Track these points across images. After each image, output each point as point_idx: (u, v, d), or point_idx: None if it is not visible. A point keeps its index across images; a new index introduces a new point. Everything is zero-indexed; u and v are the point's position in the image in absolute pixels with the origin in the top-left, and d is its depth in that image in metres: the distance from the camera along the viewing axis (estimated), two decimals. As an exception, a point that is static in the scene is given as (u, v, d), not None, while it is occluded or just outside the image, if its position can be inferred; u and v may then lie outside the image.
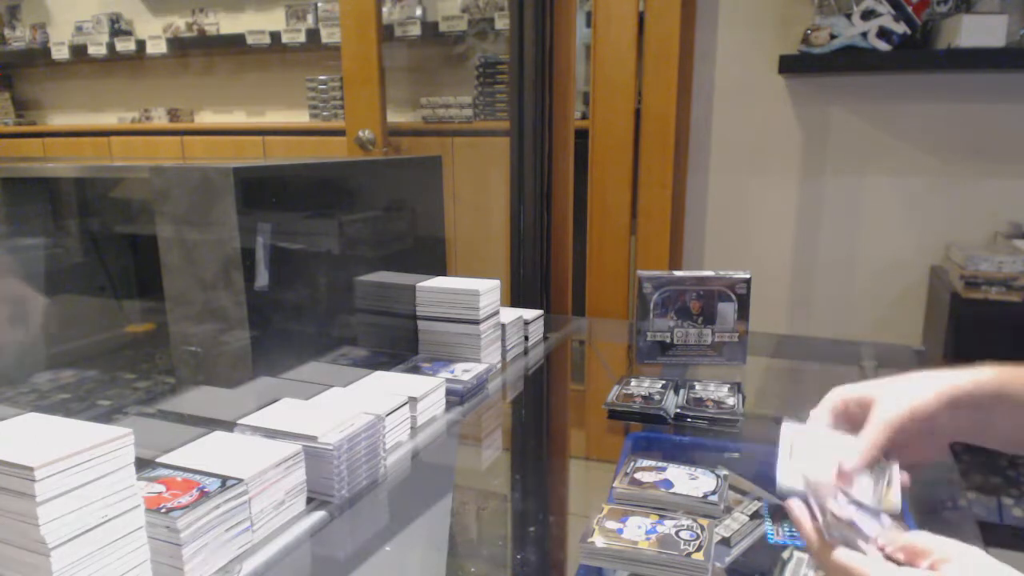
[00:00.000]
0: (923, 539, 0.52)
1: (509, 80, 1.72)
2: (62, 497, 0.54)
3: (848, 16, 1.91)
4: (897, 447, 0.65)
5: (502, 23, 2.64)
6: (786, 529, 0.76)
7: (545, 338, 1.47)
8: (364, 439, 0.83)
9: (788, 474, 0.63)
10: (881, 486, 0.62)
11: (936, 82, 2.01)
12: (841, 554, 0.53)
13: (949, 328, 1.80)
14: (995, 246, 1.94)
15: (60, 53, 3.44)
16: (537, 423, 1.21)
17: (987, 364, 0.67)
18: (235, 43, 3.12)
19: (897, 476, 0.63)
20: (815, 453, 0.64)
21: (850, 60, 1.94)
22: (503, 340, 1.28)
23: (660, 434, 1.04)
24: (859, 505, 0.59)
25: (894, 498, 0.61)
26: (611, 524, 0.72)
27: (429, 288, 1.22)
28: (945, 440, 0.68)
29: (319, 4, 3.01)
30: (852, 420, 0.67)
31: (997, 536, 1.75)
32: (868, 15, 1.88)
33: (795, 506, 0.58)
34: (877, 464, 0.63)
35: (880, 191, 2.11)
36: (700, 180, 2.28)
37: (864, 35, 1.89)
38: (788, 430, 0.69)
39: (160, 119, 3.43)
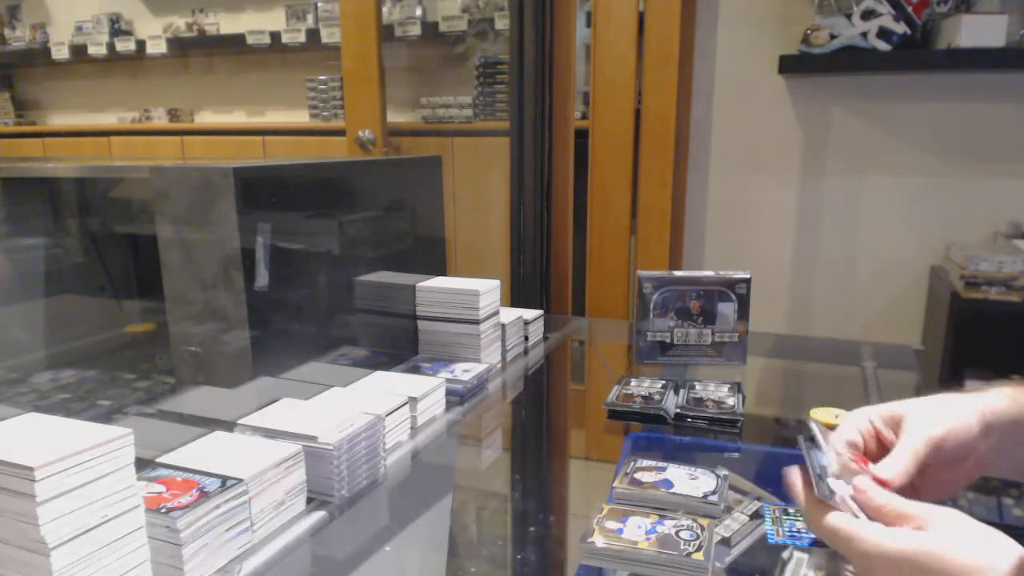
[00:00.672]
0: (905, 503, 0.53)
1: (509, 80, 1.72)
2: (62, 497, 0.54)
3: (848, 16, 1.91)
4: (929, 469, 0.60)
5: (502, 23, 2.64)
6: (786, 529, 0.76)
7: (545, 338, 1.47)
8: (364, 439, 0.83)
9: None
10: None
11: (936, 82, 2.01)
12: (833, 517, 0.53)
13: (949, 328, 1.80)
14: (995, 246, 1.94)
15: (60, 53, 3.44)
16: (537, 423, 1.21)
17: (1005, 384, 0.63)
18: (235, 43, 3.13)
19: None
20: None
21: (850, 60, 1.94)
22: (503, 340, 1.28)
23: (660, 434, 1.04)
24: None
25: None
26: (611, 524, 0.72)
27: (429, 288, 1.22)
28: (979, 468, 0.62)
29: (319, 4, 3.01)
30: (880, 439, 0.63)
31: (997, 536, 1.75)
32: (868, 15, 1.88)
33: (790, 472, 0.58)
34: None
35: (880, 191, 2.11)
36: (700, 180, 2.28)
37: (864, 35, 1.89)
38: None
39: (160, 119, 3.43)
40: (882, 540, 0.49)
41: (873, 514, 0.54)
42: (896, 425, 0.62)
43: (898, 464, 0.58)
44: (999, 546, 0.47)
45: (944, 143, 2.03)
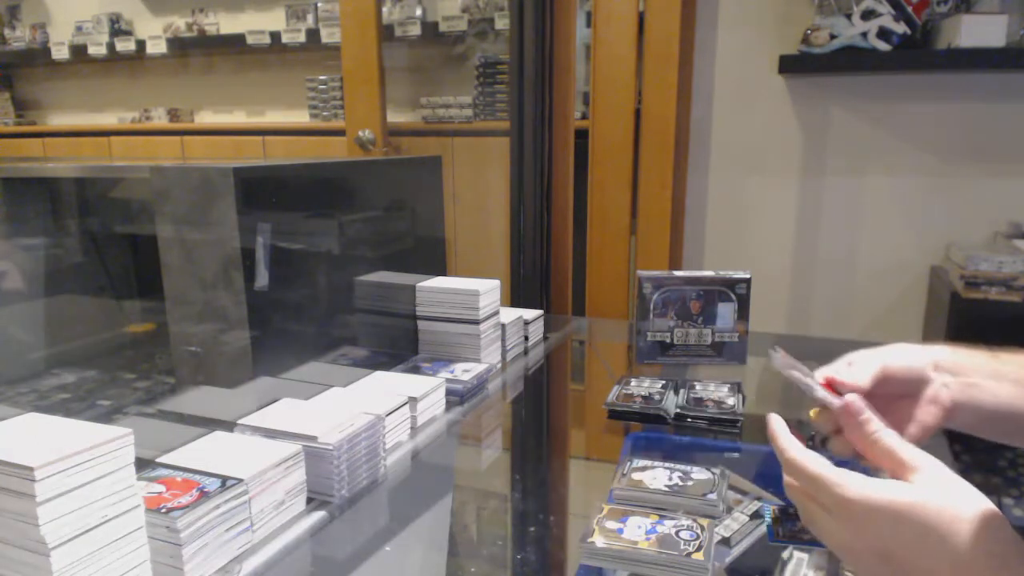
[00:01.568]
0: (896, 443, 0.55)
1: (509, 80, 1.72)
2: (62, 497, 0.54)
3: (848, 16, 1.91)
4: (892, 400, 0.69)
5: (502, 23, 2.64)
6: (786, 529, 0.76)
7: (545, 338, 1.47)
8: (364, 439, 0.83)
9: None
10: None
11: (936, 82, 2.01)
12: (816, 463, 0.55)
13: (949, 328, 1.80)
14: (995, 246, 1.94)
15: (60, 53, 3.44)
16: (537, 423, 1.21)
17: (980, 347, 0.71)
18: (235, 43, 3.13)
19: None
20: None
21: (850, 60, 1.94)
22: (503, 340, 1.28)
23: (660, 434, 1.04)
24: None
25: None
26: (611, 524, 0.72)
27: (429, 288, 1.22)
28: (933, 409, 0.69)
29: (319, 4, 3.01)
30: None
31: (997, 536, 1.75)
32: (868, 15, 1.88)
33: (774, 419, 0.61)
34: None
35: (880, 191, 2.11)
36: (700, 180, 2.28)
37: (864, 35, 1.89)
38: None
39: (160, 119, 3.43)
40: (871, 491, 0.51)
41: (860, 439, 0.57)
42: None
43: (855, 375, 0.67)
44: (975, 503, 0.51)
45: (944, 143, 2.03)
